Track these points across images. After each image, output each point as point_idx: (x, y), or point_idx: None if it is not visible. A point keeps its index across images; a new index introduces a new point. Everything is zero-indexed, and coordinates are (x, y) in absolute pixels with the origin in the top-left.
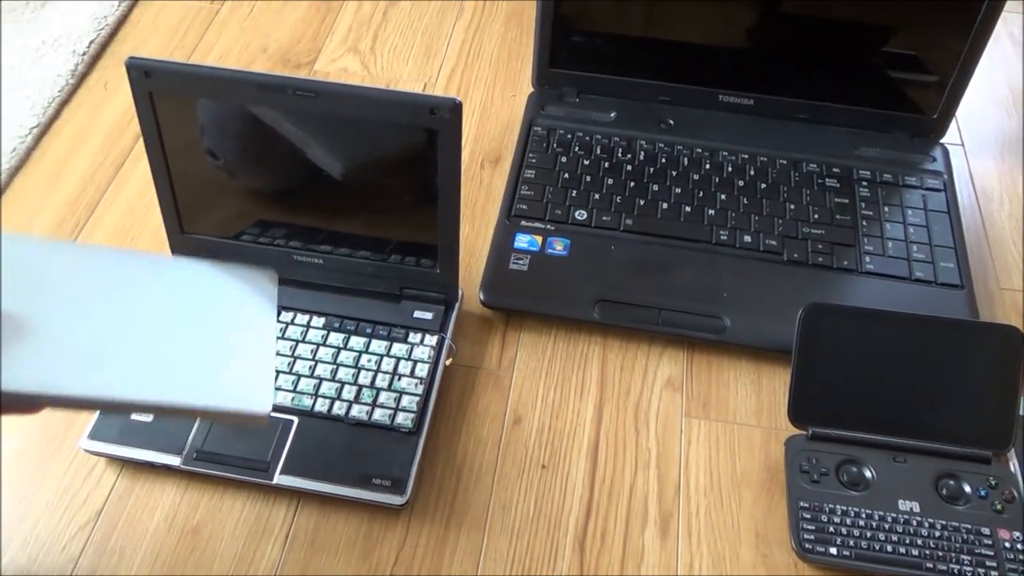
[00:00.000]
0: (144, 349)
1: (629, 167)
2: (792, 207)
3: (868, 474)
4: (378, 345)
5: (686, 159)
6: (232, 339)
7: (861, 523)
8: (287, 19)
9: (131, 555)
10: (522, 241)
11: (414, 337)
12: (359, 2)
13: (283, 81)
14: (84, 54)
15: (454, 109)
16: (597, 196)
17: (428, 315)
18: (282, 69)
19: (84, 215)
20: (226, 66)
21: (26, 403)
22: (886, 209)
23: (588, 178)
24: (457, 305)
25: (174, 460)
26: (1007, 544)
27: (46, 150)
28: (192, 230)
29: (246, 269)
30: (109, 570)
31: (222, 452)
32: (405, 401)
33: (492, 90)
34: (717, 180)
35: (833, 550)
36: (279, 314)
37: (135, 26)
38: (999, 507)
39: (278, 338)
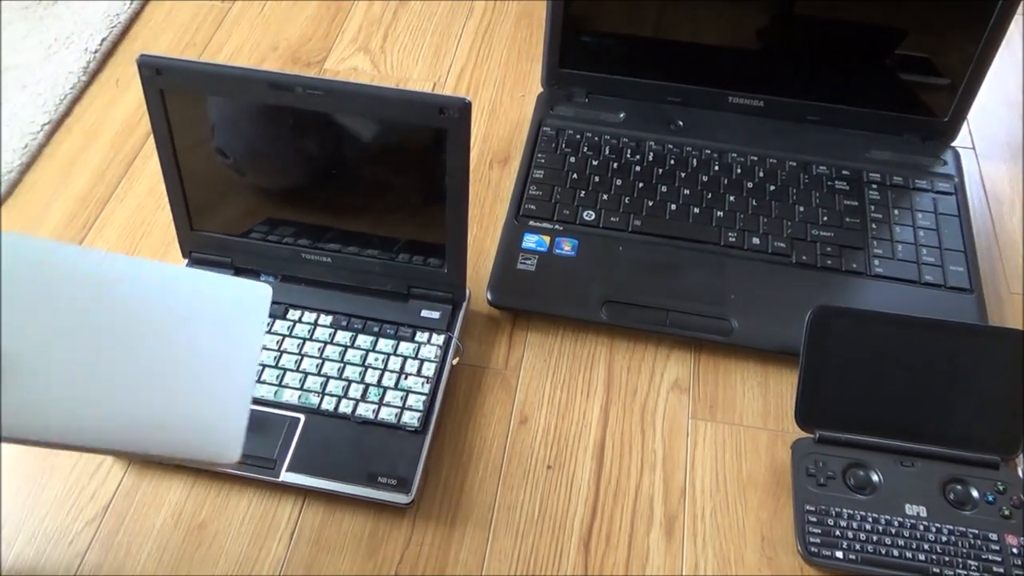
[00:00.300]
0: (118, 383)
1: (638, 168)
2: (801, 209)
3: (875, 478)
4: (385, 344)
5: (695, 160)
6: (212, 370)
7: (867, 527)
8: (297, 18)
9: (137, 551)
10: (530, 241)
11: (421, 336)
12: (369, 1)
13: (293, 79)
14: (96, 51)
15: (463, 109)
16: (606, 197)
17: (435, 314)
18: (292, 68)
19: (95, 211)
20: (236, 64)
21: None
22: (896, 212)
23: (597, 179)
24: (464, 304)
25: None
26: (1015, 550)
27: (57, 146)
28: (201, 227)
29: (239, 283)
30: (115, 565)
31: None
32: (412, 400)
33: (501, 90)
34: (726, 181)
35: (839, 554)
36: (287, 312)
37: (147, 24)
38: (1007, 512)
39: (284, 336)
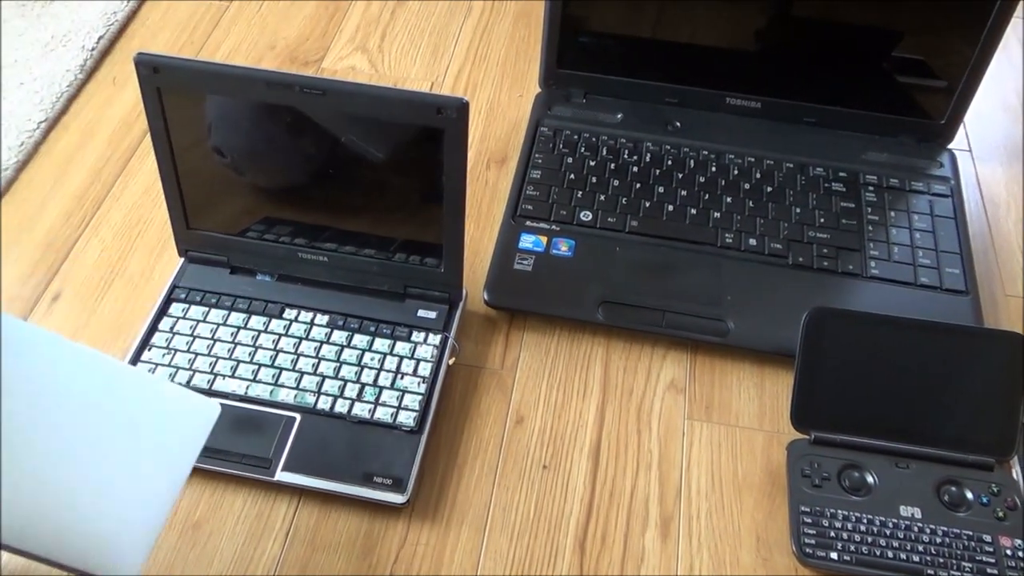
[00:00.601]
0: (26, 472)
1: (635, 168)
2: (798, 211)
3: (870, 479)
4: (381, 343)
5: (692, 161)
6: (132, 482)
7: (862, 528)
8: (295, 17)
9: None
10: (527, 241)
11: (417, 336)
12: (367, 1)
13: (291, 78)
14: (93, 49)
15: (461, 109)
16: (603, 197)
17: (432, 314)
18: (290, 67)
19: (91, 209)
20: (234, 63)
21: None
22: (892, 214)
23: (594, 179)
24: (461, 304)
25: None
26: (1008, 551)
27: (54, 144)
28: (198, 226)
29: (189, 397)
30: None
31: (224, 448)
32: (407, 400)
33: (499, 90)
34: (723, 183)
35: (834, 555)
36: (283, 311)
37: (144, 22)
38: (1001, 514)
39: (280, 336)
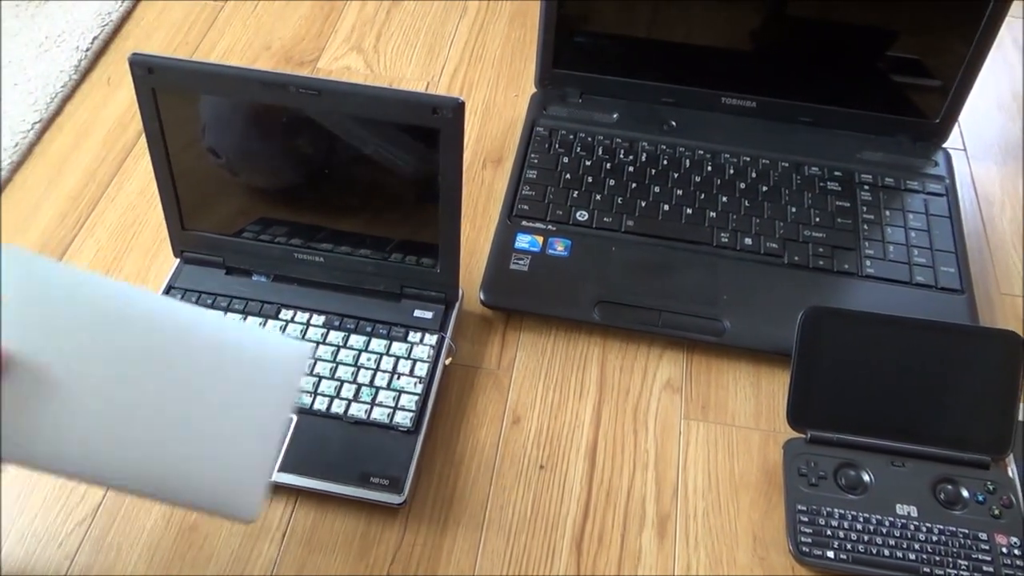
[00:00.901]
0: (149, 426)
1: (631, 168)
2: (793, 210)
3: (866, 478)
4: (378, 344)
5: (688, 161)
6: (241, 426)
7: (858, 527)
8: (290, 17)
9: (128, 552)
10: (523, 241)
11: (414, 336)
12: (363, 1)
13: (286, 79)
14: (88, 50)
15: (456, 109)
16: (599, 197)
17: (428, 314)
18: (285, 67)
19: (86, 210)
20: (229, 63)
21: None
22: (887, 213)
23: (590, 179)
24: (457, 305)
25: None
26: (1004, 549)
27: (48, 145)
28: (193, 226)
29: (280, 341)
30: (106, 567)
31: None
32: (404, 400)
33: (495, 90)
34: (719, 182)
35: (830, 553)
36: (279, 312)
37: (138, 23)
38: (997, 512)
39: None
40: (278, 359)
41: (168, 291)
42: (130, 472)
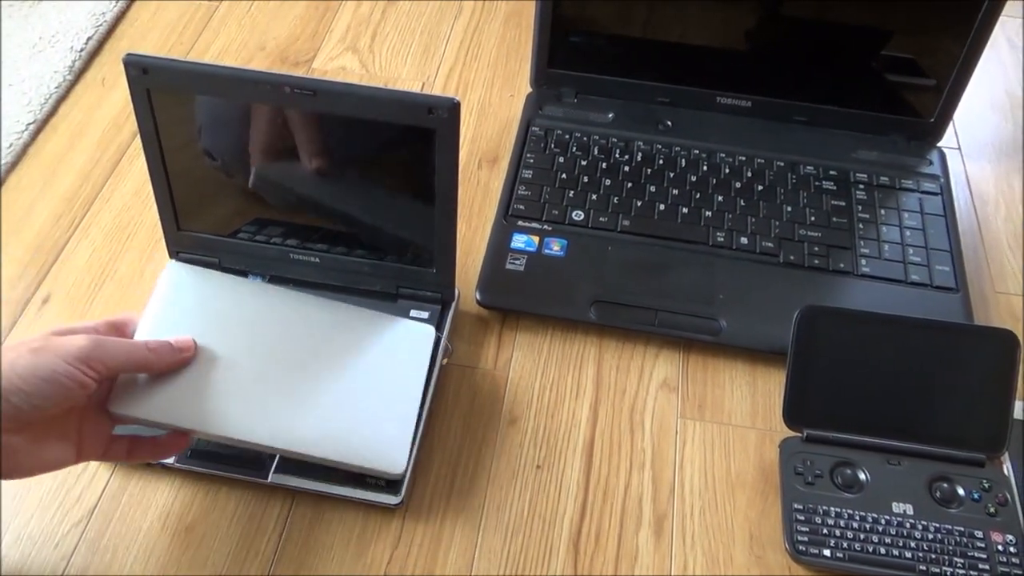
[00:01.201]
0: (302, 398)
1: (627, 168)
2: (789, 209)
3: (862, 476)
4: None
5: (684, 160)
6: (384, 397)
7: (855, 525)
8: (286, 17)
9: (124, 553)
10: (519, 241)
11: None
12: (358, 1)
13: (281, 79)
14: (82, 50)
15: (452, 109)
16: (594, 197)
17: (424, 314)
18: (280, 67)
19: (80, 211)
20: (224, 63)
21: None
22: (882, 212)
23: (585, 179)
24: (453, 305)
25: (168, 458)
26: (1000, 547)
27: (43, 146)
28: (189, 227)
29: (406, 324)
30: (102, 568)
31: (217, 451)
32: None
33: (490, 90)
34: (714, 182)
35: (827, 552)
36: None
37: (133, 23)
38: (992, 510)
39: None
40: (408, 338)
41: None
42: (296, 437)
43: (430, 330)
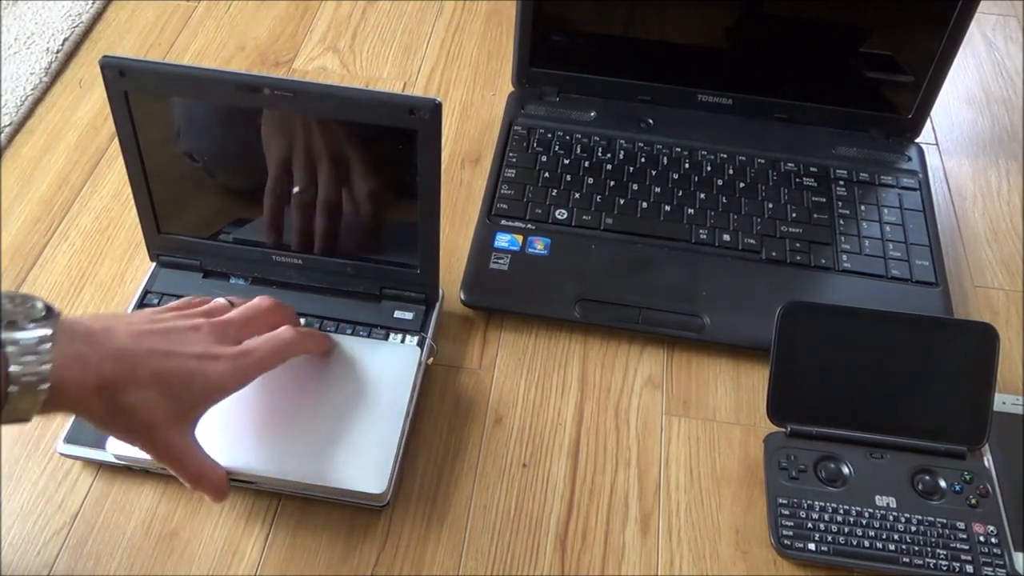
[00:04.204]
0: (285, 427)
1: (609, 166)
2: (770, 206)
3: (846, 470)
4: None
5: (665, 158)
6: (365, 418)
7: (839, 519)
8: (265, 17)
9: (108, 559)
10: (502, 240)
11: (395, 337)
12: (338, 1)
13: (260, 80)
14: (58, 52)
15: (434, 109)
16: (577, 195)
17: (409, 315)
18: (260, 68)
19: (59, 215)
20: (202, 65)
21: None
22: (863, 208)
23: (568, 177)
24: (438, 305)
25: (152, 463)
26: (982, 538)
27: (19, 149)
28: (169, 230)
29: (392, 348)
30: (85, 574)
31: None
32: None
33: (472, 89)
34: (696, 179)
35: (812, 546)
36: None
37: (110, 24)
38: (974, 502)
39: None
40: (392, 362)
41: (145, 295)
42: (281, 467)
43: (414, 351)
